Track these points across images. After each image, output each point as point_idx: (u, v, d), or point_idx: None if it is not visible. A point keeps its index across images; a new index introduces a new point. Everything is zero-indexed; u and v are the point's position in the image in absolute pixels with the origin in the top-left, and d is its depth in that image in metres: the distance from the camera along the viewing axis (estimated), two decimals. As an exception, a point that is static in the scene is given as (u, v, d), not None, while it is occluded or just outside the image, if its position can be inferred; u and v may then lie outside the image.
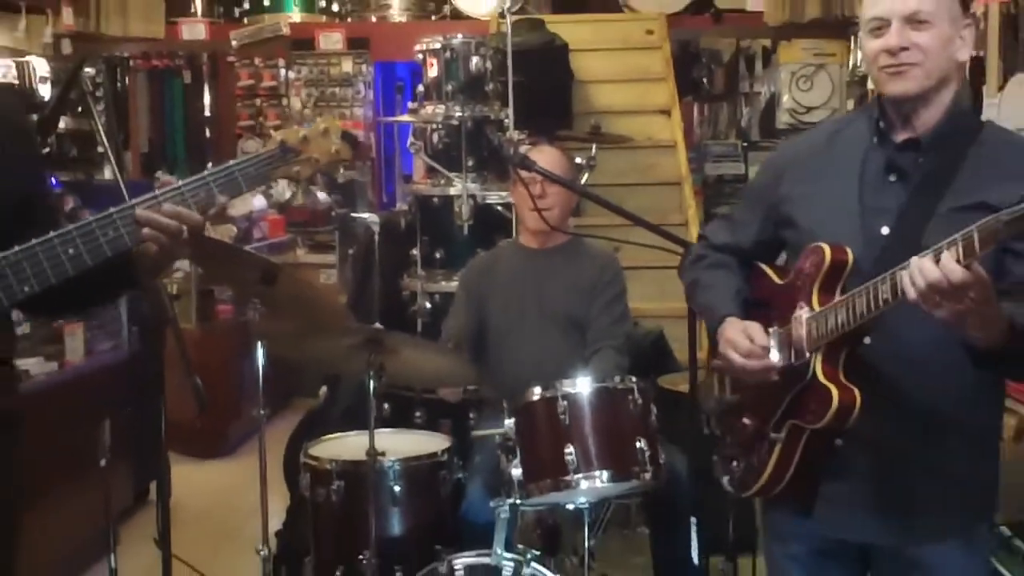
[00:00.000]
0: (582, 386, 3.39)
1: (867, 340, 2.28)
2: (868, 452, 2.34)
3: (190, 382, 3.03)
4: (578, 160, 5.42)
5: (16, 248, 2.04)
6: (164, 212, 2.12)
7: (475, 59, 5.47)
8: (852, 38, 8.02)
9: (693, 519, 3.72)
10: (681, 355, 4.65)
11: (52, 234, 2.07)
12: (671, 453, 3.52)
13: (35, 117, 6.57)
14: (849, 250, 2.29)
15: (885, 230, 2.31)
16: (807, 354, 2.30)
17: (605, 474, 3.32)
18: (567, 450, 3.29)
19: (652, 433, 3.41)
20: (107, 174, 6.83)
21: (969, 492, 2.38)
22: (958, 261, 1.90)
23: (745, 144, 8.43)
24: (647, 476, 3.36)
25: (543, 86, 6.43)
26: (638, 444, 3.35)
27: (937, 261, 1.93)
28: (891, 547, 2.42)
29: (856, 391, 2.23)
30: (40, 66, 6.71)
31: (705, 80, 9.62)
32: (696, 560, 3.72)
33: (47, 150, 6.73)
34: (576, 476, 3.29)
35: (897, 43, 2.25)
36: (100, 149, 6.74)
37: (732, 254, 2.64)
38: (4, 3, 6.48)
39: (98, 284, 2.28)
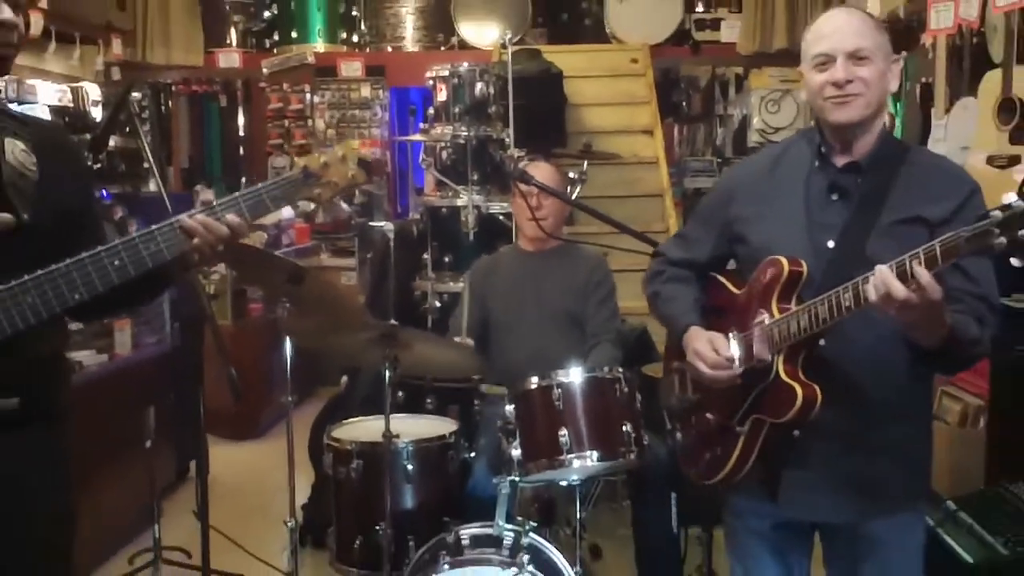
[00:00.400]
0: (574, 375, 3.40)
1: (822, 342, 2.29)
2: (822, 441, 2.35)
3: (226, 372, 3.02)
4: (571, 175, 5.42)
5: (67, 260, 2.07)
6: (207, 224, 2.16)
7: (479, 85, 5.47)
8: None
9: (673, 494, 3.73)
10: (661, 347, 4.65)
11: (100, 248, 2.10)
12: (653, 435, 3.53)
13: (88, 136, 6.60)
14: (804, 263, 2.31)
15: (831, 244, 2.32)
16: (769, 357, 2.31)
17: (595, 454, 3.32)
18: (561, 433, 3.29)
19: (637, 417, 3.41)
20: (152, 187, 6.82)
21: (909, 473, 2.40)
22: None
23: (720, 160, 8.45)
24: (632, 456, 3.36)
25: (540, 109, 6.42)
26: (624, 427, 3.36)
27: (901, 273, 1.95)
28: (842, 524, 2.43)
29: (817, 388, 2.25)
30: (92, 91, 6.71)
31: (684, 103, 9.61)
32: (675, 530, 3.73)
33: (98, 166, 6.68)
34: (569, 456, 3.29)
35: (843, 76, 2.27)
36: (146, 165, 6.73)
37: (688, 268, 2.65)
38: (61, 35, 6.47)
39: (138, 288, 2.30)
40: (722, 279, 2.57)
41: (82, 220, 2.29)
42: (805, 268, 2.30)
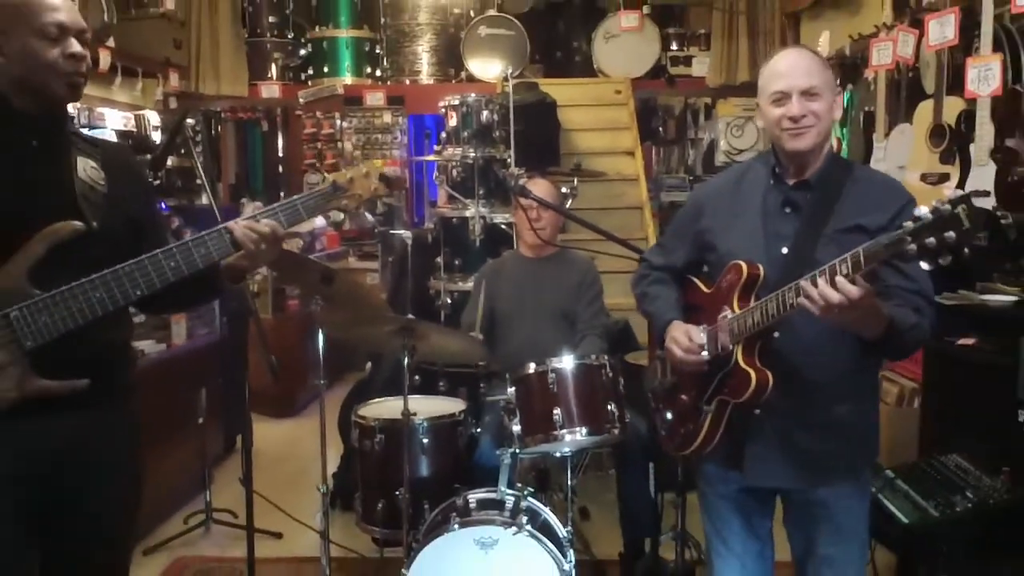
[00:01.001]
0: (566, 362, 3.39)
1: (776, 334, 2.32)
2: (778, 419, 2.36)
3: (267, 359, 3.01)
4: (564, 190, 5.41)
5: (131, 261, 2.10)
6: (253, 228, 2.20)
7: (485, 112, 5.47)
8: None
9: (651, 464, 3.72)
10: (642, 338, 4.65)
11: (158, 251, 2.13)
12: (634, 413, 3.52)
13: (149, 156, 6.59)
14: (761, 266, 2.33)
15: (785, 250, 2.34)
16: (730, 346, 2.33)
17: (584, 430, 3.32)
18: (555, 411, 3.29)
19: (620, 398, 3.41)
20: (204, 200, 6.81)
21: (854, 447, 2.41)
22: (847, 275, 1.97)
23: (692, 178, 8.41)
24: (616, 431, 3.36)
25: (537, 133, 6.41)
26: (609, 407, 3.35)
27: (831, 279, 1.99)
28: (797, 490, 2.45)
29: (769, 373, 2.28)
30: (152, 118, 6.72)
31: (661, 129, 9.59)
32: (653, 495, 3.72)
33: (158, 182, 6.73)
34: (561, 431, 3.29)
35: (799, 112, 2.29)
36: (198, 181, 6.73)
37: (667, 272, 2.67)
38: (126, 70, 6.46)
39: (194, 291, 2.35)
40: (696, 280, 2.59)
41: (146, 228, 2.31)
42: (762, 271, 2.33)
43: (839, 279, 1.98)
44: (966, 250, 1.79)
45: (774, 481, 2.44)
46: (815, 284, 2.02)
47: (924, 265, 1.83)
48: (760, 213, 2.40)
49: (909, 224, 1.83)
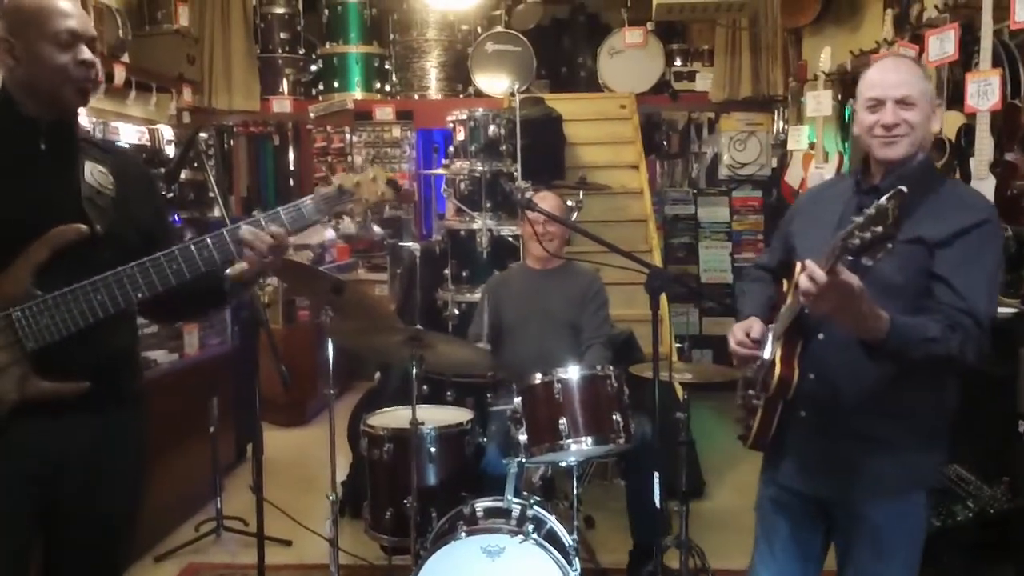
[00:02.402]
0: (572, 373, 3.39)
1: (821, 336, 2.29)
2: (819, 423, 2.32)
3: (278, 368, 3.01)
4: (569, 203, 5.41)
5: (132, 263, 2.09)
6: (256, 234, 2.18)
7: (492, 127, 5.47)
8: (775, 111, 8.01)
9: (656, 473, 3.71)
10: (646, 349, 4.64)
11: (159, 254, 2.12)
12: (639, 423, 3.51)
13: (163, 170, 6.61)
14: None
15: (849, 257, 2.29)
16: (774, 343, 2.33)
17: (589, 439, 3.32)
18: (560, 421, 3.29)
19: (625, 408, 3.40)
20: (216, 213, 6.81)
21: (899, 464, 2.30)
22: (824, 267, 1.93)
23: (695, 191, 8.41)
24: (621, 441, 3.35)
25: (543, 147, 6.42)
26: (614, 417, 3.35)
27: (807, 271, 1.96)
28: (840, 502, 2.38)
29: (795, 370, 2.25)
30: (167, 132, 6.72)
31: (664, 143, 9.61)
32: (658, 504, 3.71)
33: (171, 195, 6.74)
34: (567, 441, 3.29)
35: (892, 120, 2.25)
36: (211, 194, 6.72)
37: (767, 271, 2.67)
38: (140, 85, 6.48)
39: (203, 298, 2.34)
40: (784, 282, 2.54)
41: (156, 235, 2.30)
42: None
43: (809, 263, 1.95)
44: (890, 245, 1.77)
45: (809, 486, 2.40)
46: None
47: (865, 261, 1.81)
48: (838, 217, 2.36)
49: (859, 219, 1.80)
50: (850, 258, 1.88)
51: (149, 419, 2.40)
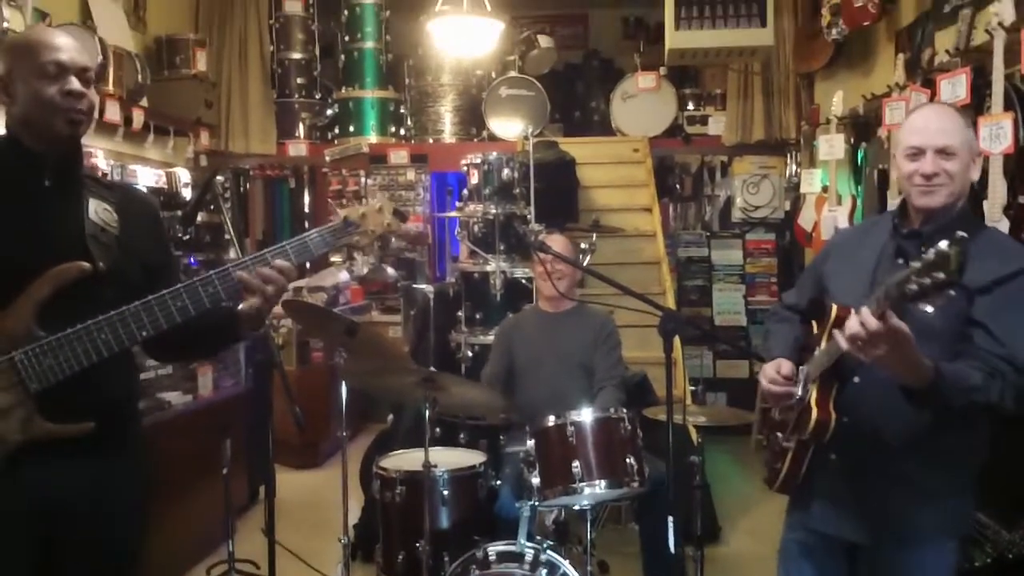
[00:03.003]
0: (585, 415, 3.38)
1: (856, 380, 2.28)
2: (852, 467, 2.31)
3: (291, 410, 3.01)
4: (582, 245, 5.43)
5: (137, 302, 2.09)
6: (259, 272, 2.19)
7: (506, 170, 5.49)
8: (788, 154, 8.03)
9: (670, 518, 3.67)
10: (659, 392, 4.62)
11: (164, 291, 2.11)
12: (653, 466, 3.49)
13: (179, 212, 6.66)
14: (852, 309, 2.22)
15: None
16: (808, 384, 2.31)
17: (603, 483, 3.29)
18: (574, 464, 3.27)
19: (638, 451, 3.38)
20: (232, 255, 6.85)
21: (932, 509, 2.28)
22: (875, 313, 1.91)
23: (708, 234, 8.42)
24: (635, 484, 3.33)
25: (556, 190, 6.44)
26: (628, 460, 3.33)
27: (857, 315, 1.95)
28: (870, 547, 2.35)
29: (832, 414, 2.24)
30: (183, 175, 6.79)
31: (678, 186, 9.63)
32: (673, 549, 3.66)
33: (187, 237, 6.79)
34: (581, 484, 3.27)
35: (931, 170, 2.25)
36: (227, 236, 6.77)
37: (795, 312, 2.65)
38: (158, 128, 6.55)
39: (210, 337, 2.33)
40: (813, 323, 2.53)
41: (160, 271, 2.30)
42: (851, 314, 2.27)
43: (863, 310, 1.94)
44: (952, 292, 1.75)
45: (839, 530, 2.37)
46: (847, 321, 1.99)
47: (927, 308, 1.80)
48: (875, 260, 2.37)
49: (917, 264, 1.79)
50: (906, 304, 1.86)
51: (151, 460, 2.38)
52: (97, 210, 2.19)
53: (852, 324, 1.96)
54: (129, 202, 2.31)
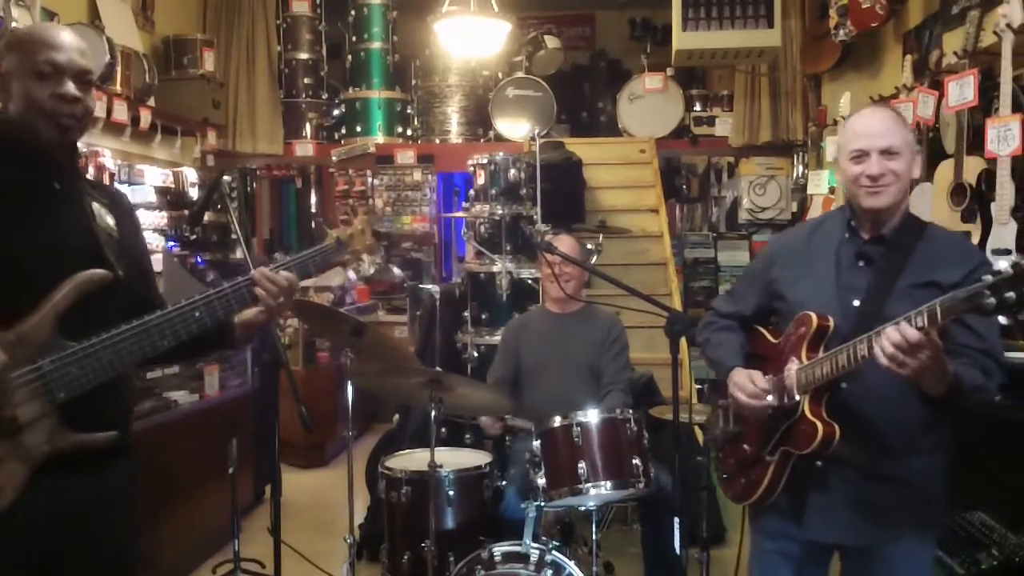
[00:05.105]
0: (591, 416, 3.37)
1: (844, 385, 2.29)
2: (841, 471, 2.33)
3: (298, 410, 3.01)
4: (589, 246, 5.44)
5: (158, 313, 2.07)
6: (273, 279, 2.20)
7: (512, 171, 5.50)
8: (795, 156, 8.02)
9: (676, 519, 3.67)
10: (666, 393, 4.62)
11: (183, 303, 2.10)
12: (659, 467, 3.49)
13: (187, 212, 6.68)
14: (831, 318, 2.31)
15: (856, 303, 2.33)
16: (797, 396, 2.30)
17: (608, 484, 3.29)
18: (579, 465, 3.27)
19: (644, 452, 3.38)
20: (238, 255, 6.87)
21: (918, 503, 2.34)
22: (922, 327, 1.94)
23: (715, 235, 8.41)
24: (640, 485, 3.32)
25: (563, 191, 6.44)
26: (634, 461, 3.32)
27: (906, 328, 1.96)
28: (857, 547, 2.39)
29: (836, 426, 2.24)
30: (191, 175, 6.81)
31: (684, 187, 9.62)
32: (677, 550, 3.66)
33: (194, 236, 6.81)
34: (586, 485, 3.26)
35: (877, 171, 2.29)
36: (233, 236, 6.80)
37: (735, 320, 2.65)
38: (165, 128, 6.57)
39: (199, 346, 2.28)
40: (762, 330, 2.57)
41: (147, 271, 2.32)
42: (832, 323, 2.31)
43: (902, 324, 1.97)
44: None
45: (835, 536, 2.39)
46: (885, 335, 2.00)
47: (1002, 319, 1.83)
48: (834, 265, 2.39)
49: (988, 278, 1.82)
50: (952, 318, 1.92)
51: (157, 460, 2.38)
52: (101, 215, 2.17)
53: (892, 338, 1.97)
54: (118, 205, 2.27)
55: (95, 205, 2.17)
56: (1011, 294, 1.78)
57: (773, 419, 2.37)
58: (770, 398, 2.37)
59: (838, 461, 2.30)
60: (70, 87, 2.04)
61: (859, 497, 2.31)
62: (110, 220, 2.19)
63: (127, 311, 2.06)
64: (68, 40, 2.07)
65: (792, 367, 2.33)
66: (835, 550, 2.47)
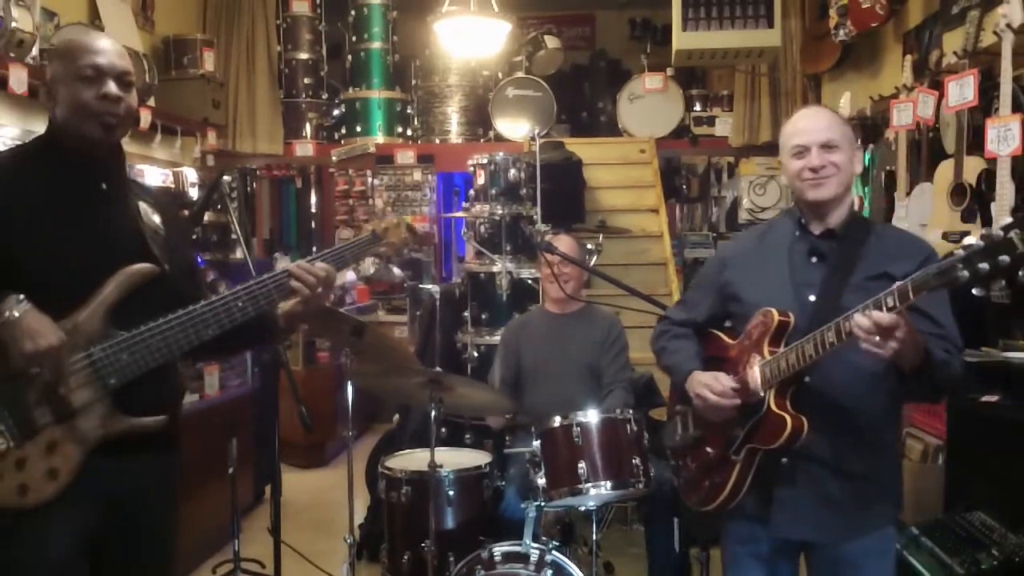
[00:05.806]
0: (591, 416, 3.38)
1: (807, 379, 2.30)
2: (806, 466, 2.33)
3: (298, 410, 3.02)
4: (589, 246, 5.44)
5: (202, 303, 2.19)
6: (311, 270, 2.30)
7: (512, 171, 5.50)
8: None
9: (675, 519, 3.68)
10: (666, 393, 4.61)
11: (227, 293, 2.23)
12: (659, 467, 3.49)
13: (186, 212, 6.67)
14: (791, 313, 2.33)
15: (812, 298, 2.35)
16: (761, 392, 2.30)
17: (608, 484, 3.29)
18: (579, 465, 3.27)
19: (644, 452, 3.38)
20: (239, 255, 6.87)
21: (882, 497, 2.38)
22: (893, 307, 1.97)
23: (715, 235, 8.41)
24: (640, 485, 3.33)
25: (563, 191, 6.43)
26: (634, 461, 3.33)
27: (878, 310, 2.00)
28: (823, 545, 2.40)
29: (804, 418, 2.25)
30: (191, 175, 6.80)
31: (684, 187, 9.62)
32: (677, 550, 3.67)
33: (195, 236, 6.80)
34: (586, 485, 3.26)
35: (818, 163, 2.35)
36: (234, 236, 6.79)
37: (688, 327, 2.67)
38: (165, 128, 6.57)
39: (247, 336, 2.41)
40: (718, 333, 2.59)
41: (195, 272, 2.44)
42: (792, 318, 2.32)
43: (871, 311, 1.99)
44: (1021, 273, 1.79)
45: (802, 533, 2.39)
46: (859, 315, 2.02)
47: (976, 291, 1.84)
48: (787, 263, 2.43)
49: (960, 252, 1.84)
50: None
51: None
52: (147, 213, 2.29)
53: (862, 323, 1.99)
54: (163, 204, 2.40)
55: (141, 204, 2.29)
56: (984, 265, 1.79)
57: (737, 418, 2.38)
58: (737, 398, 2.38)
59: (804, 456, 2.30)
60: (112, 87, 2.16)
61: (824, 493, 2.33)
62: (156, 219, 2.31)
63: (174, 305, 2.17)
64: (107, 44, 2.21)
65: (754, 363, 2.33)
66: (801, 552, 2.48)
